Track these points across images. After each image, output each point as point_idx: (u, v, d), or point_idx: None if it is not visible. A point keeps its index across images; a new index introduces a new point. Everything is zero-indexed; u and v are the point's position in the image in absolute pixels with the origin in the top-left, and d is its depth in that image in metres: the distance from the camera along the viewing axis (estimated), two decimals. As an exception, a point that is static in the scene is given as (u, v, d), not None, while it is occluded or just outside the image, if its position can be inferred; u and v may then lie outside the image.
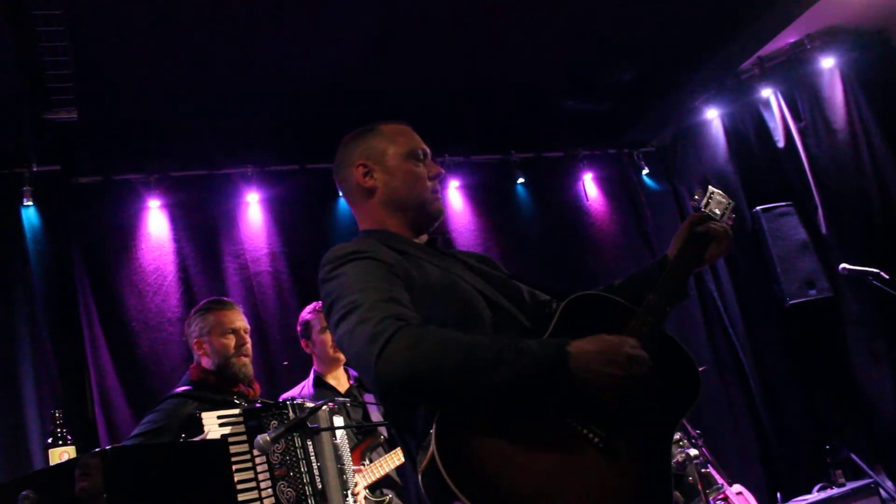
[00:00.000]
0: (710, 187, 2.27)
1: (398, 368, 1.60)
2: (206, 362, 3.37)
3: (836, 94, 5.74)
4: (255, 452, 2.91)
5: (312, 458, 3.07)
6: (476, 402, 1.62)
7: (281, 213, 5.59)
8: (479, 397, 1.62)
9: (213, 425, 2.93)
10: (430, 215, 2.12)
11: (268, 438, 2.76)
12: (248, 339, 3.43)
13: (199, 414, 2.96)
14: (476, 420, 1.62)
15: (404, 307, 1.74)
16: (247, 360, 3.37)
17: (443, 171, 2.18)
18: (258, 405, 3.08)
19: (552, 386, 1.65)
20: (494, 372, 1.61)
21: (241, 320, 3.44)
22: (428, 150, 2.16)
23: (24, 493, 1.99)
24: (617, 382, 1.67)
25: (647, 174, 6.66)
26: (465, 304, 1.88)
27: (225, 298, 3.60)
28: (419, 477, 1.65)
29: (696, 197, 2.25)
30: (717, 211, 2.21)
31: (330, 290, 1.84)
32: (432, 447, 1.56)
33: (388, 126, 2.17)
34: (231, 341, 3.34)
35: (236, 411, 3.02)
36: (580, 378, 1.65)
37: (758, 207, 5.88)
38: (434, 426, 1.59)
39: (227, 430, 2.95)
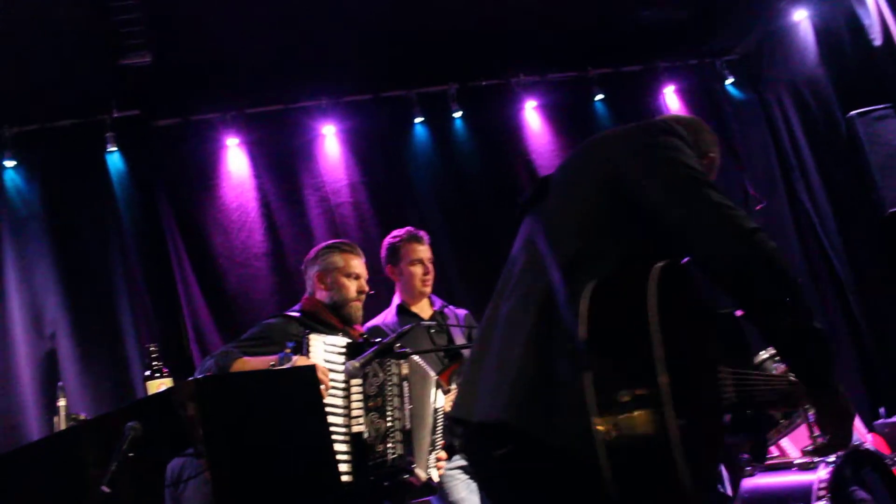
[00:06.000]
0: None
1: (769, 250, 1.74)
2: (323, 296, 3.43)
3: (938, -18, 5.35)
4: (352, 381, 3.00)
5: (406, 398, 3.09)
6: (772, 323, 1.76)
7: (358, 144, 5.59)
8: (782, 322, 1.75)
9: (318, 349, 2.99)
10: None
11: (356, 364, 2.90)
12: (367, 287, 3.52)
13: (308, 334, 3.03)
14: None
15: None
16: (360, 305, 3.47)
17: None
18: (361, 341, 3.18)
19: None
20: (805, 317, 1.76)
21: (363, 267, 3.53)
22: None
23: (129, 423, 2.05)
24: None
25: (731, 84, 6.37)
26: None
27: (351, 243, 3.63)
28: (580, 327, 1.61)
29: None
30: None
31: (673, 146, 1.88)
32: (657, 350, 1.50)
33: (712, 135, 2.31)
34: (353, 285, 3.43)
35: (343, 341, 3.09)
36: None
37: (853, 112, 5.59)
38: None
39: (330, 356, 3.02)
